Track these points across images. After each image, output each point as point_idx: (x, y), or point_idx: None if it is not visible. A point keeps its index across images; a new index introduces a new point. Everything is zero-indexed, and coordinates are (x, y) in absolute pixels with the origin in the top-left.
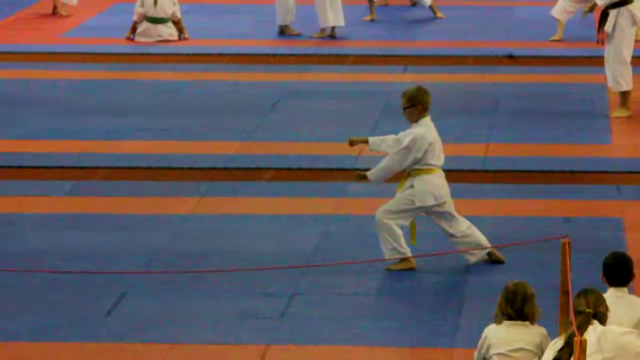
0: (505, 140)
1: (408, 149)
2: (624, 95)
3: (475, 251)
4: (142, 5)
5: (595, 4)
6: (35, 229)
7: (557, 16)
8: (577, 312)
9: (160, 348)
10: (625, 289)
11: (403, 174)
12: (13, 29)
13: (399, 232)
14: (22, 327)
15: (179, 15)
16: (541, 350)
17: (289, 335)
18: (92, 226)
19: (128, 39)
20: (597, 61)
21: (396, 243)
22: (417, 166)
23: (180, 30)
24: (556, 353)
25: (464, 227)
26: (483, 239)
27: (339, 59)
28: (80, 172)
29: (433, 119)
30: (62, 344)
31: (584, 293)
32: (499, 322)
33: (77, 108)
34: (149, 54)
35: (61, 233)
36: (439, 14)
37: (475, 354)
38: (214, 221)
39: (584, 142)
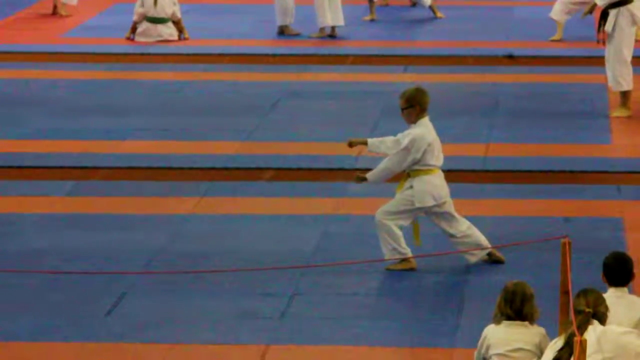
0: (505, 140)
1: (407, 149)
2: (625, 95)
3: (475, 251)
4: (142, 5)
5: (594, 5)
6: (36, 229)
7: (555, 17)
8: (577, 312)
9: (160, 348)
10: (625, 289)
11: (402, 175)
12: (13, 29)
13: (399, 232)
14: (22, 327)
15: (179, 15)
16: (540, 351)
17: (289, 335)
18: (92, 226)
19: (128, 39)
20: (597, 61)
21: (396, 243)
22: (416, 167)
23: (180, 30)
24: (556, 353)
25: (464, 227)
26: (483, 239)
27: (339, 59)
28: (80, 172)
29: (433, 119)
30: (62, 344)
31: (583, 293)
32: (498, 322)
33: (77, 108)
34: (149, 54)
35: (61, 233)
36: (439, 14)
37: (475, 353)
38: (214, 221)
39: (584, 142)
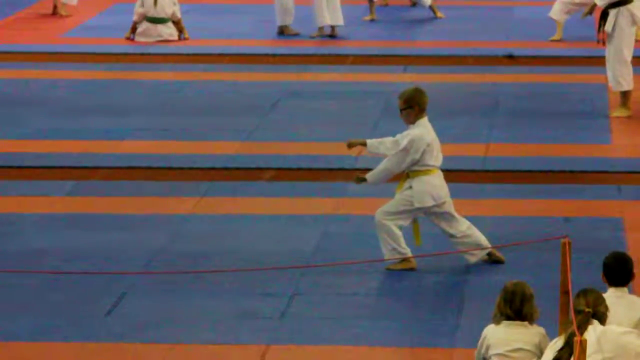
0: (505, 140)
1: (406, 150)
2: (625, 95)
3: (475, 251)
4: (142, 5)
5: (594, 5)
6: (36, 229)
7: (555, 17)
8: (577, 312)
9: (160, 348)
10: (625, 289)
11: (402, 175)
12: (13, 29)
13: (398, 232)
14: (22, 327)
15: (179, 15)
16: (540, 351)
17: (289, 335)
18: (92, 226)
19: (128, 39)
20: (597, 61)
21: (396, 243)
22: (415, 167)
23: (180, 30)
24: (556, 353)
25: (464, 227)
26: (483, 239)
27: (339, 59)
28: (80, 172)
29: (433, 119)
30: (62, 344)
31: (583, 293)
32: (497, 322)
33: (77, 108)
34: (149, 54)
35: (61, 233)
36: (439, 14)
37: (475, 353)
38: (214, 221)
39: (584, 142)
